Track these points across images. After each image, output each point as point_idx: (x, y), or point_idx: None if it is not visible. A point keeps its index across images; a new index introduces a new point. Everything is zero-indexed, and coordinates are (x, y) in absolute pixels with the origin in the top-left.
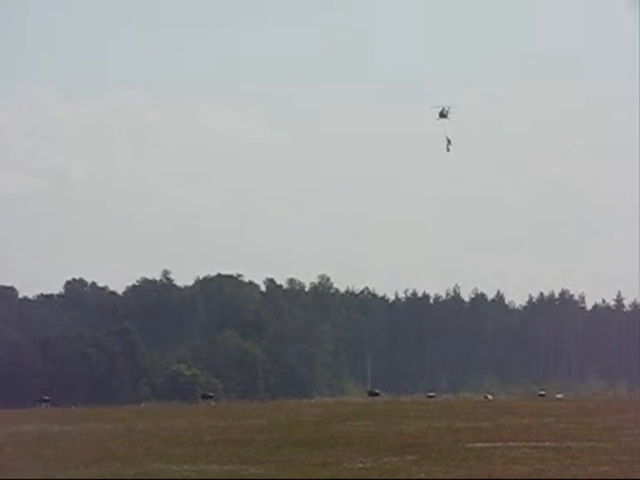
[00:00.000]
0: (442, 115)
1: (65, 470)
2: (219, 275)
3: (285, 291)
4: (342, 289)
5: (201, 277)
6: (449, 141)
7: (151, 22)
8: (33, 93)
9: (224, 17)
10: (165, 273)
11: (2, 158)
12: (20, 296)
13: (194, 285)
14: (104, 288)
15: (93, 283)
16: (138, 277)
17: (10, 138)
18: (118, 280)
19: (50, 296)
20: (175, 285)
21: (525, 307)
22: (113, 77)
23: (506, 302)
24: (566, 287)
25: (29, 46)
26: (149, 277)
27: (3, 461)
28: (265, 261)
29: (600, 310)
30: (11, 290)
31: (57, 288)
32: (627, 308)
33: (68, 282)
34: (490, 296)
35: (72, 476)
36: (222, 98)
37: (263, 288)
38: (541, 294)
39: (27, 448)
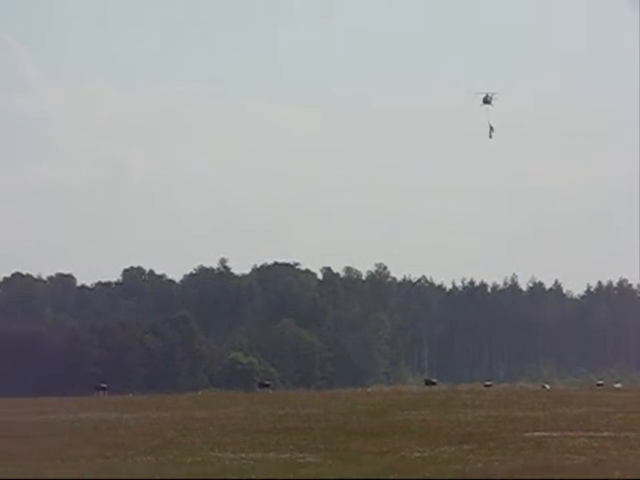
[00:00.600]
0: (486, 101)
1: (123, 458)
2: (276, 263)
3: (342, 279)
4: (399, 278)
5: (258, 265)
6: (492, 128)
7: (203, 18)
8: (91, 86)
9: (269, 13)
10: (222, 261)
11: (62, 150)
12: (78, 284)
13: (251, 273)
14: (162, 276)
15: (151, 271)
16: (196, 265)
17: (69, 130)
18: (176, 268)
19: (108, 284)
20: (232, 273)
21: (583, 296)
22: (167, 70)
23: (564, 291)
24: (624, 276)
25: (87, 38)
26: (207, 265)
27: (61, 448)
28: (322, 249)
29: None
30: (70, 278)
31: (115, 276)
32: None
33: (126, 270)
34: (548, 285)
35: (130, 464)
36: (272, 91)
37: (320, 276)
38: (599, 283)
39: (85, 436)
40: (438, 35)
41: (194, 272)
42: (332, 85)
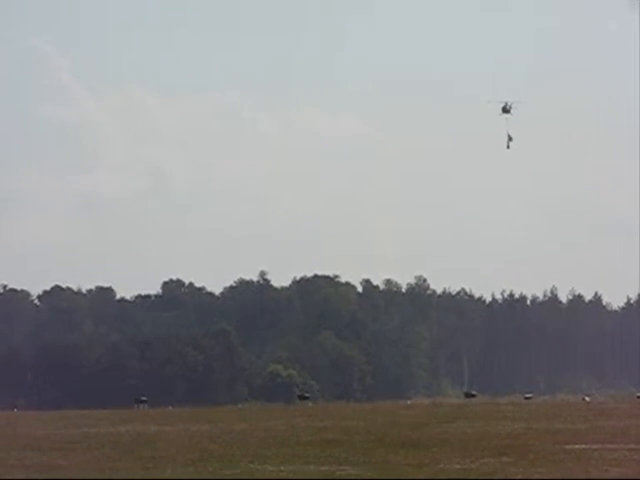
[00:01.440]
0: (505, 110)
1: (162, 471)
2: (316, 276)
3: (382, 292)
4: (439, 290)
5: (298, 278)
6: (510, 138)
7: (248, 26)
8: (134, 93)
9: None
10: (262, 274)
11: (102, 159)
12: (118, 297)
13: (291, 286)
14: (201, 289)
15: (190, 284)
16: (235, 278)
17: (110, 139)
18: (215, 281)
19: (148, 297)
20: (272, 286)
21: (623, 308)
22: (212, 78)
23: (604, 303)
24: None
25: (130, 46)
26: (246, 278)
27: (101, 461)
28: (362, 262)
29: None
30: (109, 291)
31: (155, 289)
32: None
33: (165, 283)
34: (588, 297)
35: (169, 476)
36: (321, 100)
37: (360, 289)
38: (639, 295)
39: (125, 448)
40: (494, 39)
41: (234, 285)
42: (378, 96)
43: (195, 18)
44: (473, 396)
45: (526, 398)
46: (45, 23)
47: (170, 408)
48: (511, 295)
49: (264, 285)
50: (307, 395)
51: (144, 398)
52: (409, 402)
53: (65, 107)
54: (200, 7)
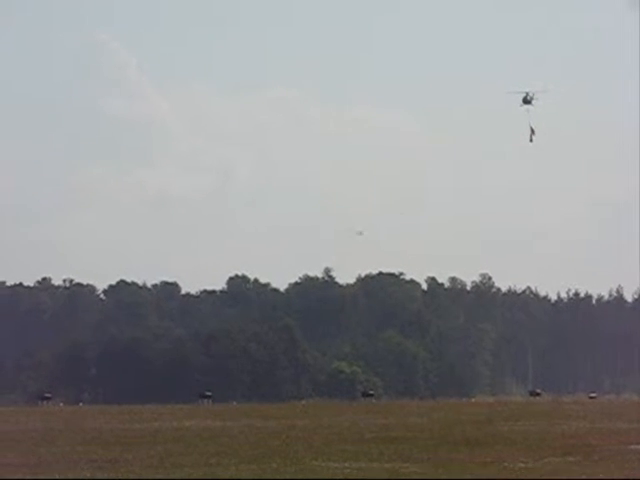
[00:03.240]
0: (526, 101)
1: (226, 466)
2: (381, 273)
3: (447, 290)
4: (504, 288)
5: (363, 275)
6: (533, 131)
7: (308, 24)
8: (199, 90)
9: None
10: (327, 271)
11: (167, 156)
12: (183, 292)
13: (356, 283)
14: (266, 285)
15: (255, 280)
16: (300, 274)
17: (176, 136)
18: (280, 277)
19: (213, 292)
20: (337, 283)
21: None
22: (273, 75)
23: None
24: None
25: (195, 44)
26: (311, 274)
27: (165, 456)
28: (427, 259)
29: None
30: (174, 286)
31: (220, 284)
32: None
33: (231, 278)
34: None
35: (232, 472)
36: (378, 96)
37: (424, 287)
38: None
39: (188, 444)
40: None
41: (299, 281)
42: (441, 92)
43: (258, 17)
44: (537, 394)
45: (590, 397)
46: (113, 19)
47: (234, 403)
48: (576, 294)
49: (329, 282)
50: (371, 392)
51: (208, 393)
52: (473, 400)
53: (133, 103)
54: (262, 6)
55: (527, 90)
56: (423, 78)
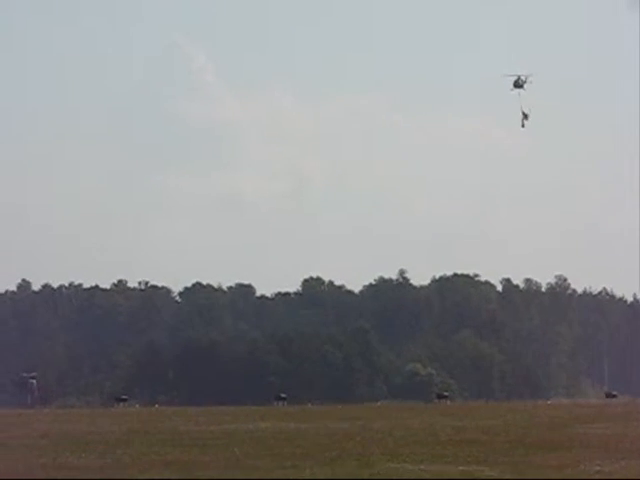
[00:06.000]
0: (517, 85)
1: (302, 469)
2: (455, 275)
3: (522, 291)
4: (579, 290)
5: (437, 277)
6: (525, 115)
7: (387, 32)
8: (273, 95)
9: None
10: (401, 272)
11: (243, 160)
12: (258, 294)
13: (430, 284)
14: (341, 287)
15: (330, 282)
16: (375, 276)
17: (251, 140)
18: (355, 279)
19: (287, 294)
20: (411, 284)
21: None
22: (346, 82)
23: None
24: None
25: (268, 50)
26: (386, 276)
27: (240, 458)
28: (502, 261)
29: None
30: (249, 288)
31: (294, 286)
32: None
33: (305, 280)
34: None
35: (308, 475)
36: (455, 102)
37: (499, 288)
38: None
39: (264, 446)
40: None
41: (373, 283)
42: (506, 95)
43: (334, 23)
44: (614, 396)
45: None
46: (190, 23)
47: (309, 405)
48: None
49: (403, 284)
50: (446, 394)
51: (283, 395)
52: (549, 402)
53: (209, 108)
54: (340, 12)
55: (519, 74)
56: (498, 81)
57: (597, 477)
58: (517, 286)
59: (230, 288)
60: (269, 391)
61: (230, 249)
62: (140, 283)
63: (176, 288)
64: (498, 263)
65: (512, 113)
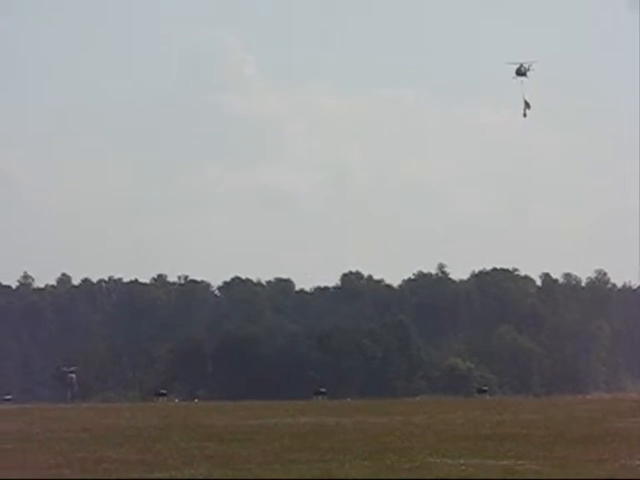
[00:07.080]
0: (520, 73)
1: (341, 463)
2: (495, 269)
3: (561, 286)
4: (619, 284)
5: (476, 271)
6: (527, 104)
7: (426, 26)
8: (313, 90)
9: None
10: (441, 267)
11: (282, 154)
12: (297, 288)
13: (469, 279)
14: (380, 281)
15: (369, 276)
16: (414, 270)
17: (291, 134)
18: (394, 273)
19: (326, 288)
20: (450, 279)
21: None
22: (387, 75)
23: None
24: None
25: (306, 46)
26: (425, 271)
27: (281, 452)
28: (541, 255)
29: None
30: (288, 282)
31: (333, 280)
32: None
33: (344, 274)
34: None
35: (347, 469)
36: (492, 96)
37: (539, 282)
38: None
39: (304, 440)
40: None
41: (412, 277)
42: (551, 88)
43: (373, 17)
44: None
45: None
46: (231, 17)
47: (348, 400)
48: None
49: (442, 278)
50: (485, 388)
51: (323, 389)
52: (588, 397)
53: (249, 101)
54: (377, 6)
55: (522, 61)
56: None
57: (638, 471)
58: (556, 281)
59: (269, 282)
60: (308, 385)
61: (269, 243)
62: (180, 277)
63: (215, 282)
64: (537, 257)
65: (558, 108)
